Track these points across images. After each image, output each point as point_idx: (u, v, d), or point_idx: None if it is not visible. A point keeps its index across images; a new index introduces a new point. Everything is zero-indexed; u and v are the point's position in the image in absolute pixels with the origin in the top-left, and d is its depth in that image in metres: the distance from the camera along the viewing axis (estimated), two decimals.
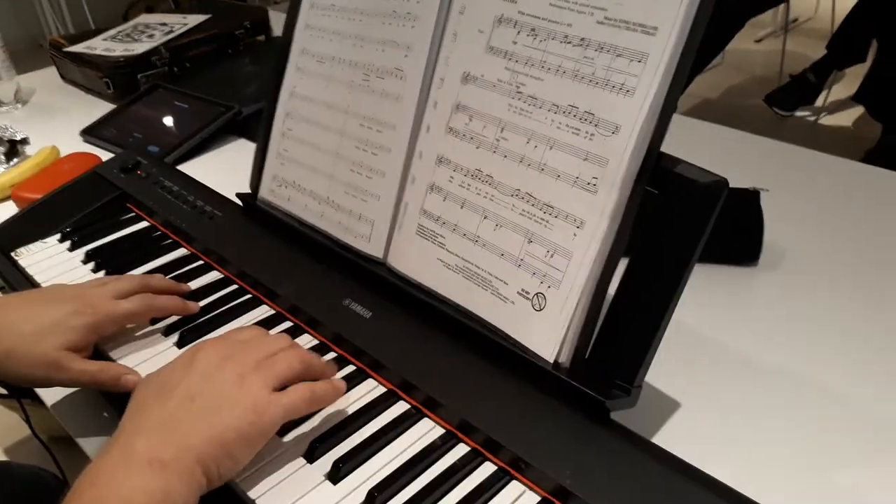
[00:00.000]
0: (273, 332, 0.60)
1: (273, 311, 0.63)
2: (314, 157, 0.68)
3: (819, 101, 2.72)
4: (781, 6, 3.04)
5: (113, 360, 0.58)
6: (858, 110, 2.66)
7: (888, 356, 0.60)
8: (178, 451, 0.42)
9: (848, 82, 2.76)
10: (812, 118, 2.72)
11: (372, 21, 0.63)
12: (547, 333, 0.50)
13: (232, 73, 1.26)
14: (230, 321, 0.62)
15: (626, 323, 0.49)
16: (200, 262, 0.70)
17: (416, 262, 0.59)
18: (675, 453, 0.46)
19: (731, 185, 0.45)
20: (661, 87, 0.46)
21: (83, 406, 0.59)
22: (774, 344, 0.62)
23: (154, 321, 0.62)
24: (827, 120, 2.72)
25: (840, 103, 2.78)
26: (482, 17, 0.55)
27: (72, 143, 1.06)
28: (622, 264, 0.49)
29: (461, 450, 0.49)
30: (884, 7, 2.36)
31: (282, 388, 0.48)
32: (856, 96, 2.55)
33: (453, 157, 0.56)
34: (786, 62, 2.95)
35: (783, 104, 2.72)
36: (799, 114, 2.72)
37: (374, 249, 0.62)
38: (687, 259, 0.46)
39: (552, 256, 0.50)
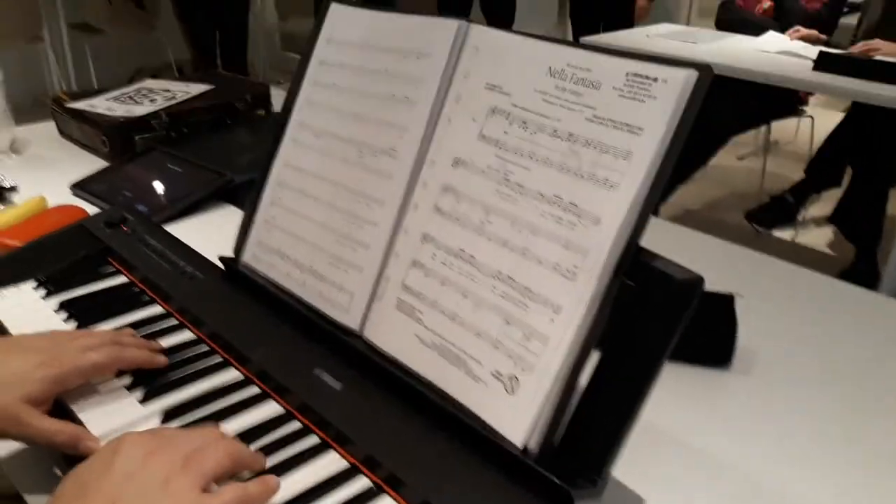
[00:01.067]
0: (240, 395, 0.59)
1: (242, 376, 0.62)
2: (301, 227, 0.69)
3: (796, 221, 2.81)
4: (763, 128, 3.18)
5: (73, 412, 0.56)
6: (833, 231, 2.74)
7: (855, 466, 0.60)
8: None
9: (824, 204, 2.86)
10: (789, 237, 2.80)
11: (370, 101, 0.65)
12: (518, 418, 0.50)
13: (228, 142, 1.28)
14: (197, 381, 0.61)
15: (597, 414, 0.49)
16: (174, 322, 0.70)
17: (391, 335, 0.59)
18: None
19: (706, 289, 0.46)
20: (643, 185, 0.48)
21: (34, 461, 0.57)
22: (741, 446, 0.61)
23: (119, 375, 0.61)
24: (803, 239, 2.80)
25: (816, 223, 2.87)
26: (477, 106, 0.58)
27: (61, 196, 1.06)
28: (594, 355, 0.49)
29: None
30: (857, 137, 2.49)
31: (210, 484, 0.45)
32: (831, 218, 2.64)
33: (438, 235, 0.57)
34: (766, 181, 3.06)
35: (762, 222, 2.81)
36: (776, 233, 2.80)
37: (350, 321, 0.62)
38: (660, 353, 0.47)
39: (528, 340, 0.50)
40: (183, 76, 1.66)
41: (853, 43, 2.47)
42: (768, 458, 0.60)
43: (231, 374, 0.62)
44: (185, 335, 0.68)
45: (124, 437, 0.47)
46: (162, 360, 0.62)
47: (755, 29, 2.70)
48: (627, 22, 3.44)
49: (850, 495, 0.57)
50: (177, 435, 0.48)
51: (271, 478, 0.49)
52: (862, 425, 0.65)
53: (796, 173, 2.89)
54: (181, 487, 0.43)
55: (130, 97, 1.34)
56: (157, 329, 0.68)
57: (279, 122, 0.73)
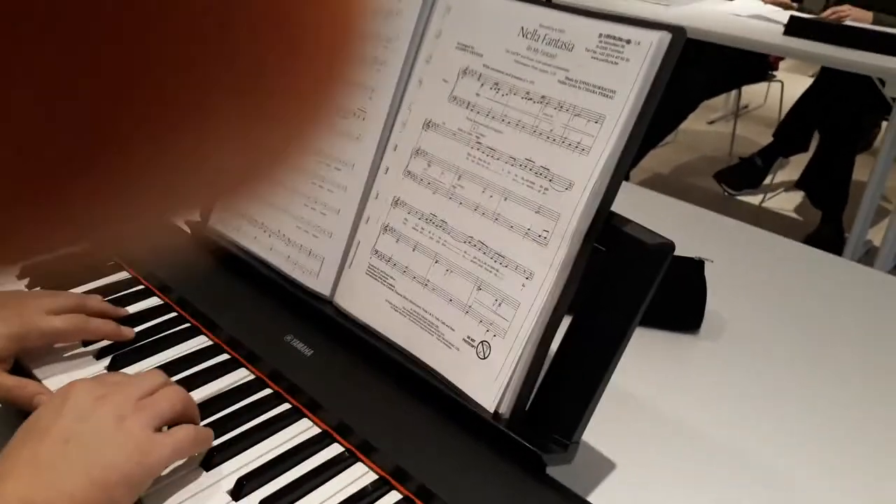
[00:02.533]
0: (209, 364, 0.59)
1: (211, 343, 0.61)
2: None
3: (764, 185, 2.85)
4: (733, 92, 3.20)
5: (37, 378, 0.55)
6: (800, 196, 2.78)
7: (819, 428, 0.61)
8: (52, 493, 0.39)
9: (792, 169, 2.89)
10: (757, 201, 2.83)
11: None
12: (489, 382, 0.50)
13: None
14: (166, 349, 0.60)
15: (568, 378, 0.49)
16: (141, 287, 0.68)
17: (363, 301, 0.58)
18: None
19: (676, 254, 0.47)
20: (615, 149, 0.47)
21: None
22: (710, 411, 0.62)
23: (86, 343, 0.60)
24: (770, 203, 2.84)
25: (784, 188, 2.91)
26: (448, 67, 0.56)
27: None
28: (566, 320, 0.49)
29: (393, 497, 0.48)
30: (825, 103, 2.51)
31: (162, 428, 0.46)
32: (798, 183, 2.68)
33: (409, 200, 0.57)
34: (735, 145, 3.08)
35: (731, 183, 2.84)
36: (744, 197, 2.84)
37: (321, 286, 0.62)
38: (630, 318, 0.47)
39: (500, 305, 0.50)
40: None
41: (825, 9, 2.48)
42: (735, 422, 0.62)
43: (200, 341, 0.62)
44: (153, 301, 0.66)
45: (74, 384, 0.46)
46: (128, 332, 0.60)
47: None
48: None
49: (814, 455, 0.59)
50: (125, 381, 0.48)
51: (206, 428, 0.50)
52: (825, 387, 0.67)
53: (765, 137, 2.92)
54: (134, 426, 0.44)
55: None
56: (124, 294, 0.67)
57: None
